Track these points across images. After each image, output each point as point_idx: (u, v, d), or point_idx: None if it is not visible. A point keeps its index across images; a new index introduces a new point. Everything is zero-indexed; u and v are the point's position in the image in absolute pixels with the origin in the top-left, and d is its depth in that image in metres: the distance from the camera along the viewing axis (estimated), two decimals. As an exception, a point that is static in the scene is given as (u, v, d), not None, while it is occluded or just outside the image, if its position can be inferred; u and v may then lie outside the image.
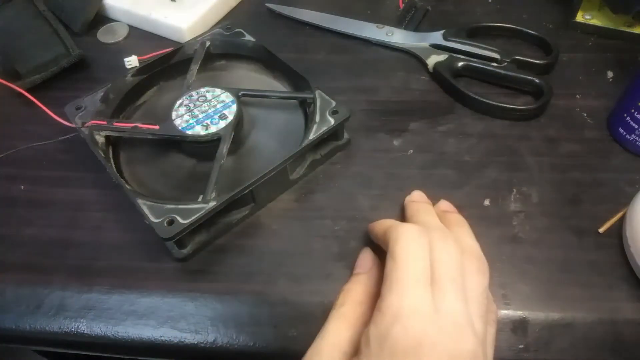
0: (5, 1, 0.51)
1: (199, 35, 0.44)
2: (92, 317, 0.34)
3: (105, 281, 0.35)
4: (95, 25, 0.52)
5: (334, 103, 0.38)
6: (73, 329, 0.34)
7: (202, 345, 0.34)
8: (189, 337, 0.34)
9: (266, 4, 0.53)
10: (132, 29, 0.53)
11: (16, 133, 0.44)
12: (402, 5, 0.53)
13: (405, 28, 0.50)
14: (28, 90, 0.45)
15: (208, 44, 0.43)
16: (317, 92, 0.39)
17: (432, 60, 0.46)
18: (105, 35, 0.52)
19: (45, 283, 0.36)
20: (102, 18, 0.53)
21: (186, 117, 0.37)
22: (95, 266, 0.36)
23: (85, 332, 0.34)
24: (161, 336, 0.34)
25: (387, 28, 0.50)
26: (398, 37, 0.49)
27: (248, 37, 0.43)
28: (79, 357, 0.42)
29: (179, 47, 0.42)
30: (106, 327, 0.34)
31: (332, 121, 0.37)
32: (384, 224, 0.31)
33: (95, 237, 0.37)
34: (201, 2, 0.52)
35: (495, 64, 0.45)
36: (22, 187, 0.41)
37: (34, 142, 0.43)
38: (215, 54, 0.44)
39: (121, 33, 0.52)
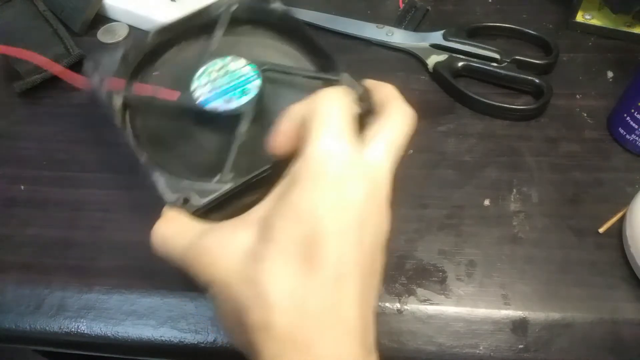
0: (5, 1, 0.51)
1: None
2: (92, 317, 0.34)
3: (105, 281, 0.35)
4: (95, 25, 0.52)
5: (361, 89, 0.34)
6: (73, 329, 0.34)
7: (202, 345, 0.34)
8: (189, 337, 0.34)
9: (266, 4, 0.53)
10: (132, 29, 0.53)
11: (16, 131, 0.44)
12: (402, 6, 0.53)
13: (405, 28, 0.50)
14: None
15: (234, 7, 0.41)
16: (344, 75, 0.36)
17: (432, 60, 0.46)
18: (105, 35, 0.52)
19: (45, 283, 0.36)
20: (102, 18, 0.53)
21: (207, 87, 0.35)
22: (95, 266, 0.36)
23: (85, 332, 0.34)
24: (161, 336, 0.34)
25: (387, 28, 0.50)
26: (398, 37, 0.49)
27: (278, 4, 0.41)
28: (79, 357, 0.42)
29: (203, 9, 0.41)
30: (106, 327, 0.34)
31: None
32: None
33: (95, 237, 0.37)
34: (201, 2, 0.51)
35: (495, 64, 0.45)
36: (22, 187, 0.41)
37: (34, 141, 0.42)
38: (241, 18, 0.41)
39: (121, 33, 0.52)
